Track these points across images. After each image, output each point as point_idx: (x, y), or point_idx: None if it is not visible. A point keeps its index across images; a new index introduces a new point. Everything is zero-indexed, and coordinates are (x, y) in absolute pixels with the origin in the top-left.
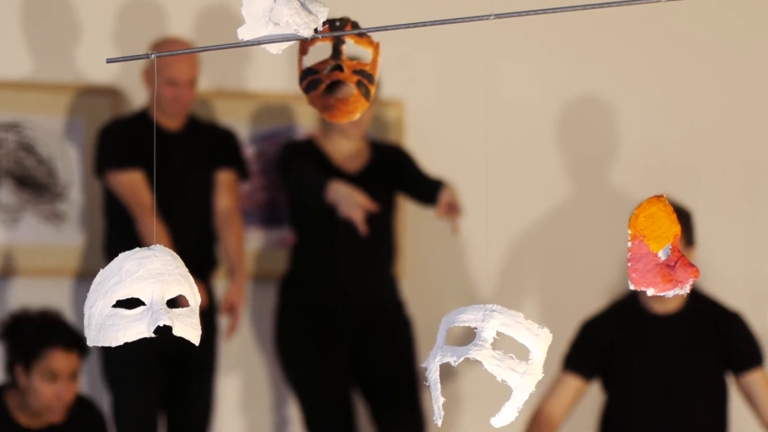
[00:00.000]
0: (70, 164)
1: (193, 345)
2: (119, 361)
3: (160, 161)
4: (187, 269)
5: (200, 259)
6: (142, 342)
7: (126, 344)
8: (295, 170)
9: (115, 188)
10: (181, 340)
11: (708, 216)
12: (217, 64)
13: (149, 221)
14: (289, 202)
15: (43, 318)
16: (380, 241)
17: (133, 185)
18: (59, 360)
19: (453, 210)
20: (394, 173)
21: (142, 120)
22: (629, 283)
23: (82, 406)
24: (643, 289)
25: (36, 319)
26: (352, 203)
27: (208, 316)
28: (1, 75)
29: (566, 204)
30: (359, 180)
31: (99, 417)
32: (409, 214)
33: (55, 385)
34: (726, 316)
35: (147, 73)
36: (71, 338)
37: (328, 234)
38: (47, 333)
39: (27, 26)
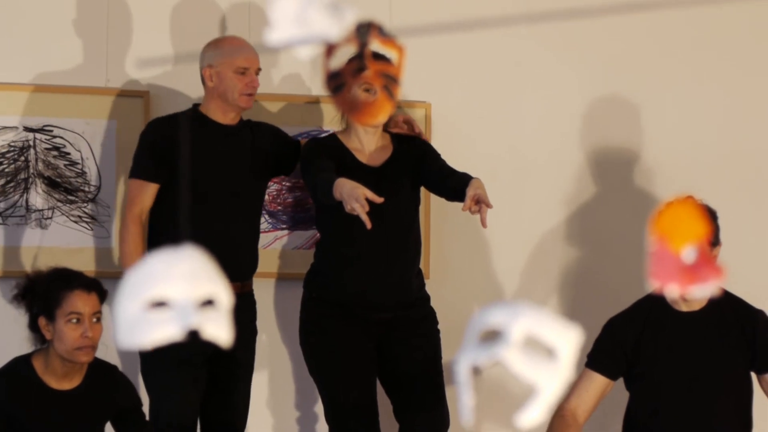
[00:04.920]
0: (101, 166)
1: (235, 346)
2: (160, 362)
3: (213, 154)
4: (217, 269)
5: (248, 258)
6: (183, 343)
7: (167, 346)
8: (312, 169)
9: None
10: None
11: (732, 216)
12: None
13: (132, 229)
14: (313, 200)
15: (56, 270)
16: (404, 235)
17: (141, 193)
18: (81, 301)
19: (481, 204)
20: (418, 166)
21: (195, 116)
22: (652, 282)
23: (107, 372)
24: (665, 289)
25: (51, 273)
26: (354, 198)
27: (247, 318)
28: (33, 78)
29: (591, 203)
30: (382, 173)
31: (125, 381)
32: (433, 212)
33: (80, 326)
34: (751, 315)
35: (207, 69)
36: (89, 281)
37: (350, 230)
38: (65, 279)
39: (58, 30)
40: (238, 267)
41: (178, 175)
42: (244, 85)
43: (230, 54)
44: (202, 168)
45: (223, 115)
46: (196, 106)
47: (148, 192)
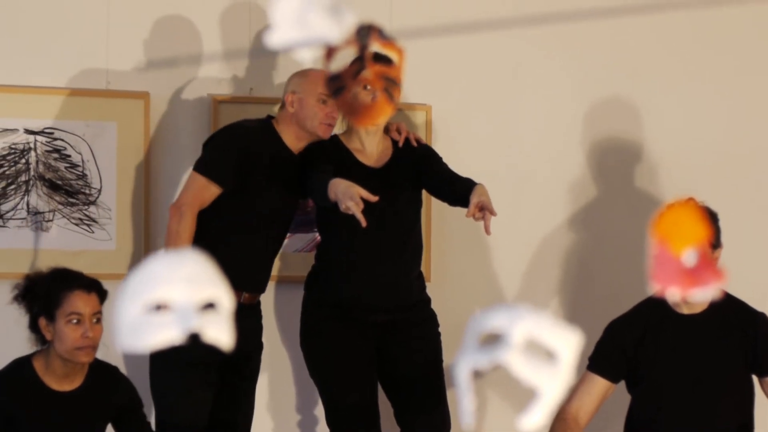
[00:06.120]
0: (102, 169)
1: (247, 353)
2: (172, 363)
3: (279, 180)
4: (219, 273)
5: (269, 273)
6: (196, 344)
7: (179, 347)
8: (310, 173)
9: (189, 182)
10: (236, 346)
11: (734, 217)
12: (246, 69)
13: (191, 225)
14: (313, 203)
15: (57, 271)
16: (404, 237)
17: (203, 192)
18: (81, 301)
19: (484, 211)
20: (420, 169)
21: (271, 133)
22: (653, 285)
23: (107, 372)
24: (666, 292)
25: (51, 273)
26: (348, 196)
27: (259, 324)
28: (33, 81)
29: (592, 205)
30: (383, 175)
31: (126, 382)
32: (434, 215)
33: (80, 326)
34: (752, 317)
35: (290, 95)
36: (89, 281)
37: (349, 232)
38: (65, 280)
39: (59, 32)
40: (258, 280)
41: (243, 189)
42: (325, 115)
43: (315, 81)
44: (267, 189)
45: (295, 141)
46: (270, 118)
47: (211, 192)
